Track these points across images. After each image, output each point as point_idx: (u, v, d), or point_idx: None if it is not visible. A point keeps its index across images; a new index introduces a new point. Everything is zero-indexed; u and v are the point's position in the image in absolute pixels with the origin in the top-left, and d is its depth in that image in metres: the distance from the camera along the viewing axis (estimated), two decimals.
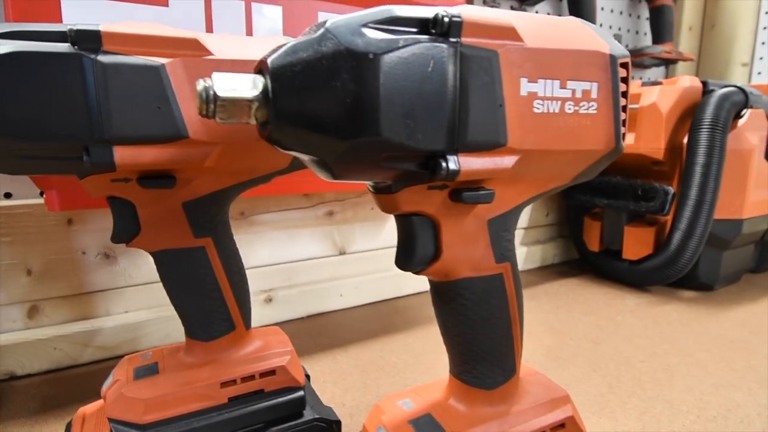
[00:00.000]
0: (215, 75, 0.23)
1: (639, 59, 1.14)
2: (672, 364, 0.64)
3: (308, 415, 0.43)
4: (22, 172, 0.33)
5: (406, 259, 0.30)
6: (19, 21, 0.47)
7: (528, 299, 0.88)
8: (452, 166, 0.25)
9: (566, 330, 0.75)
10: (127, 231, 0.37)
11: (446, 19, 0.24)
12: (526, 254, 1.07)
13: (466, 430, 0.32)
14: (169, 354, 0.42)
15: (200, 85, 0.23)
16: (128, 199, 0.36)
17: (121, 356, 0.65)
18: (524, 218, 1.09)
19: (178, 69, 0.33)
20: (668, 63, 1.20)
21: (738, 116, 0.86)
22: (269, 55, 0.24)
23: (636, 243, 0.91)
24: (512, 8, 0.97)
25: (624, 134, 0.31)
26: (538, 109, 0.27)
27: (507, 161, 0.27)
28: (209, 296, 0.40)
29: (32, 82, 0.30)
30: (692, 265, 0.84)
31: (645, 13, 1.20)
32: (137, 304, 0.67)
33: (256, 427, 0.41)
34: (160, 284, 0.68)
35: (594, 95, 0.29)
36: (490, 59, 0.25)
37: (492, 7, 0.94)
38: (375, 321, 0.78)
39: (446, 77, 0.24)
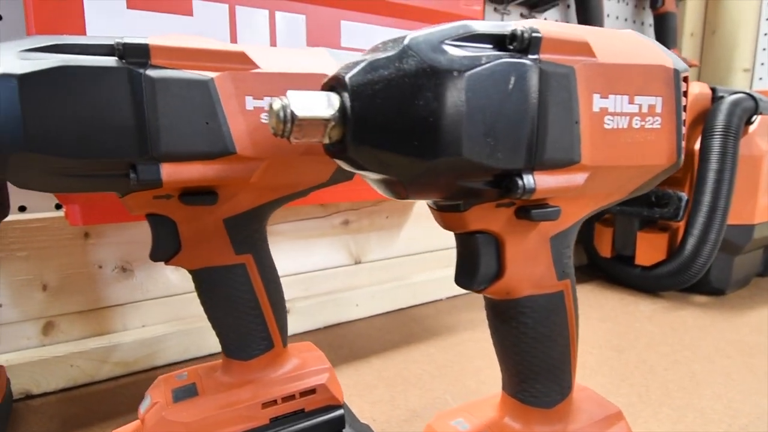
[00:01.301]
0: (290, 93, 0.23)
1: None
2: (696, 372, 0.64)
3: None
4: (65, 190, 0.32)
5: (469, 277, 0.29)
6: (42, 32, 0.45)
7: None
8: (529, 184, 0.24)
9: (587, 338, 0.74)
10: (167, 249, 0.36)
11: (525, 35, 0.23)
12: None
13: None
14: (205, 374, 0.41)
15: (277, 104, 0.22)
16: (169, 216, 0.35)
17: (139, 372, 0.64)
18: None
19: (226, 83, 0.32)
20: None
21: (748, 122, 0.86)
22: (345, 72, 0.23)
23: (649, 249, 0.91)
24: (522, 15, 0.97)
25: (683, 148, 0.31)
26: (608, 125, 0.27)
27: (579, 178, 0.27)
28: (249, 314, 0.39)
29: (79, 97, 0.28)
30: (706, 270, 0.84)
31: (649, 20, 1.21)
32: (154, 318, 0.66)
33: None
34: (177, 298, 0.68)
35: (658, 110, 0.29)
36: (568, 76, 0.24)
37: (502, 14, 0.94)
38: (394, 331, 0.77)
39: (527, 94, 0.23)
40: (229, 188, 0.35)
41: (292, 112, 0.22)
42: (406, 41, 0.22)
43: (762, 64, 1.22)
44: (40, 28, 0.45)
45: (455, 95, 0.22)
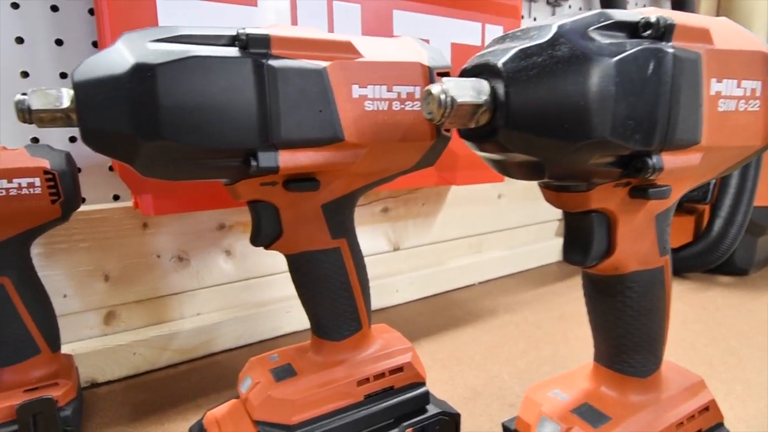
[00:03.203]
0: (447, 80, 0.24)
1: None
2: (735, 348, 0.66)
3: (432, 409, 0.44)
4: (182, 178, 0.33)
5: (582, 254, 0.31)
6: (117, 24, 0.46)
7: (575, 289, 0.90)
8: (658, 164, 0.26)
9: None
10: (269, 234, 0.37)
11: (662, 23, 0.25)
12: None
13: (630, 417, 0.33)
14: (297, 355, 0.42)
15: (436, 89, 0.24)
16: (272, 202, 0.36)
17: (197, 359, 0.65)
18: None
19: (337, 71, 0.33)
20: None
21: None
22: (496, 60, 0.24)
23: (676, 231, 0.93)
24: (548, 3, 0.98)
25: None
26: (721, 107, 0.28)
27: (696, 158, 0.28)
28: (342, 296, 0.40)
29: (209, 86, 0.29)
30: (732, 251, 0.87)
31: (667, 6, 1.23)
32: (209, 306, 0.67)
33: (387, 422, 0.41)
34: (231, 286, 0.69)
35: (758, 93, 0.30)
36: (696, 61, 0.26)
37: (530, 1, 0.95)
38: (436, 315, 0.79)
39: (664, 79, 0.25)
40: (330, 174, 0.36)
41: (452, 98, 0.23)
42: (554, 29, 0.24)
43: None
44: (115, 20, 0.46)
45: (605, 80, 0.23)
